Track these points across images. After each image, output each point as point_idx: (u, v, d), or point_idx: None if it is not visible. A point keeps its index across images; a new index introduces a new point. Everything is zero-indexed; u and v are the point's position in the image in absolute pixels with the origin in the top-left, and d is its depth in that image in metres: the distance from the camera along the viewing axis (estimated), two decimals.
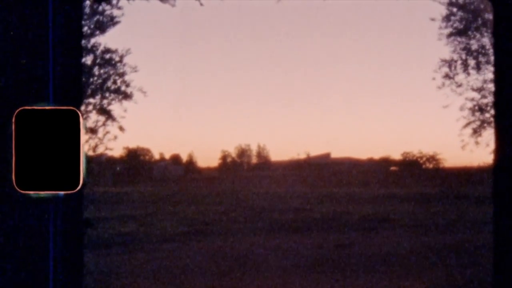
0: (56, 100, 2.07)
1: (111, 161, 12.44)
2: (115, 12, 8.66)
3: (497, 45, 2.20)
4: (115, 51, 9.31)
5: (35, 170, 1.66)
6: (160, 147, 13.87)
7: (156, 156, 13.64)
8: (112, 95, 9.55)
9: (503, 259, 2.15)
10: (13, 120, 1.64)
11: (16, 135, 1.64)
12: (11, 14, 2.00)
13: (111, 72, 9.44)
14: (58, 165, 1.67)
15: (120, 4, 8.69)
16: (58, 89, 2.07)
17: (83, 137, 1.67)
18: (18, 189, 1.64)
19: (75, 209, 2.15)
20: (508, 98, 2.13)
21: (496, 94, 2.16)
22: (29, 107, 1.64)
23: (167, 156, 13.81)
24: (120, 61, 9.34)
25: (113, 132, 9.59)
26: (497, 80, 2.16)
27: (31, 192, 1.65)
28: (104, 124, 9.50)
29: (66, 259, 2.12)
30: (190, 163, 13.65)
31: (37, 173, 1.66)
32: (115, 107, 9.59)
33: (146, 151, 13.40)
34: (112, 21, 8.70)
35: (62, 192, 1.67)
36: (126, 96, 9.57)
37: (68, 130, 1.67)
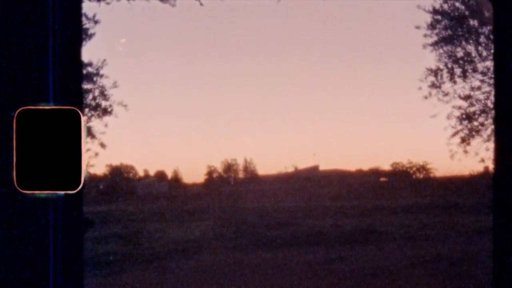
0: (56, 100, 2.08)
1: (95, 179, 12.19)
2: (89, 25, 8.45)
3: (497, 45, 2.15)
4: (90, 64, 9.09)
5: (36, 170, 1.67)
6: (144, 163, 13.60)
7: (141, 173, 13.37)
8: (92, 112, 9.34)
9: (503, 269, 2.09)
10: (14, 119, 1.64)
11: (17, 135, 1.64)
12: (11, 13, 1.99)
13: (89, 87, 9.23)
14: (59, 165, 1.68)
15: (99, 16, 8.50)
16: (59, 89, 2.07)
17: (84, 137, 1.69)
18: (19, 189, 1.67)
19: (75, 209, 2.16)
20: (508, 102, 2.08)
21: (496, 97, 2.10)
22: (30, 107, 1.65)
23: (152, 172, 13.54)
24: (97, 74, 9.13)
25: (94, 149, 9.37)
26: (496, 83, 2.11)
27: (32, 192, 1.68)
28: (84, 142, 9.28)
29: (66, 259, 2.12)
30: (176, 179, 13.39)
31: (38, 173, 1.67)
32: (95, 123, 9.37)
33: (130, 168, 13.14)
34: (86, 35, 8.49)
35: (62, 192, 1.69)
36: (106, 111, 9.36)
37: (69, 130, 1.67)
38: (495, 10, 2.25)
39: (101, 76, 8.96)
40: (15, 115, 1.63)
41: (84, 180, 1.70)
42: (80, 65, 2.17)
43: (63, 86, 2.10)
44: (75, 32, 2.14)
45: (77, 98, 2.17)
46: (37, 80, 2.03)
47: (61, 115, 1.67)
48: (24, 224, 2.05)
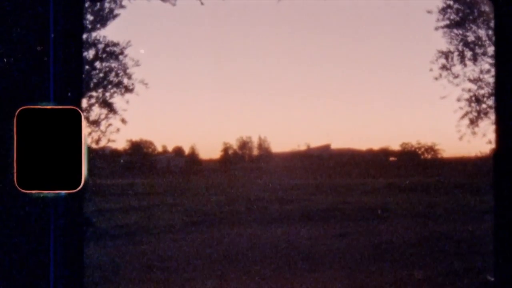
0: (56, 99, 2.04)
1: (115, 153, 12.54)
2: (114, 5, 8.74)
3: (498, 42, 2.20)
4: (116, 44, 9.38)
5: (36, 170, 1.63)
6: (163, 139, 13.97)
7: (159, 149, 13.73)
8: (114, 88, 9.65)
9: (504, 248, 2.13)
10: (15, 119, 1.61)
11: (17, 135, 1.62)
12: (11, 12, 1.98)
13: (113, 65, 9.53)
14: (60, 165, 1.65)
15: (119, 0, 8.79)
16: (59, 88, 2.04)
17: (85, 136, 1.67)
18: (20, 189, 1.64)
19: (76, 209, 2.13)
20: (507, 90, 2.17)
21: (496, 87, 2.17)
22: (30, 106, 1.62)
23: (170, 148, 13.90)
24: (121, 53, 9.43)
25: (115, 125, 9.72)
26: (497, 74, 2.20)
27: (33, 192, 1.65)
28: (106, 117, 9.62)
29: (67, 258, 2.10)
30: (193, 155, 13.72)
31: (39, 173, 1.63)
32: (117, 100, 9.69)
33: (149, 144, 13.49)
34: (112, 14, 8.79)
35: (63, 192, 1.67)
36: (128, 89, 9.67)
37: (70, 130, 1.65)
38: (496, 8, 2.31)
39: (125, 55, 9.29)
40: (16, 114, 1.60)
41: (85, 179, 1.66)
42: (81, 65, 2.15)
43: (63, 86, 2.07)
44: (76, 33, 2.12)
45: (78, 97, 2.13)
46: (38, 80, 1.99)
47: (61, 115, 1.65)
48: (24, 224, 2.01)
